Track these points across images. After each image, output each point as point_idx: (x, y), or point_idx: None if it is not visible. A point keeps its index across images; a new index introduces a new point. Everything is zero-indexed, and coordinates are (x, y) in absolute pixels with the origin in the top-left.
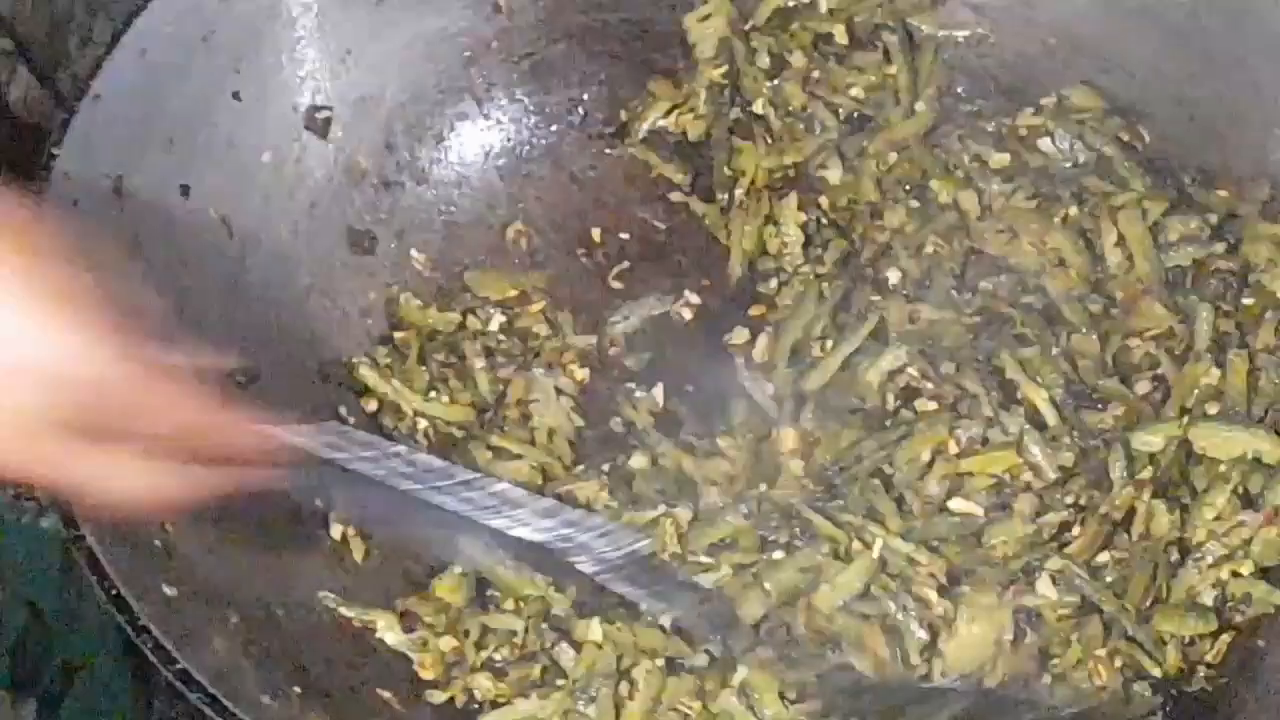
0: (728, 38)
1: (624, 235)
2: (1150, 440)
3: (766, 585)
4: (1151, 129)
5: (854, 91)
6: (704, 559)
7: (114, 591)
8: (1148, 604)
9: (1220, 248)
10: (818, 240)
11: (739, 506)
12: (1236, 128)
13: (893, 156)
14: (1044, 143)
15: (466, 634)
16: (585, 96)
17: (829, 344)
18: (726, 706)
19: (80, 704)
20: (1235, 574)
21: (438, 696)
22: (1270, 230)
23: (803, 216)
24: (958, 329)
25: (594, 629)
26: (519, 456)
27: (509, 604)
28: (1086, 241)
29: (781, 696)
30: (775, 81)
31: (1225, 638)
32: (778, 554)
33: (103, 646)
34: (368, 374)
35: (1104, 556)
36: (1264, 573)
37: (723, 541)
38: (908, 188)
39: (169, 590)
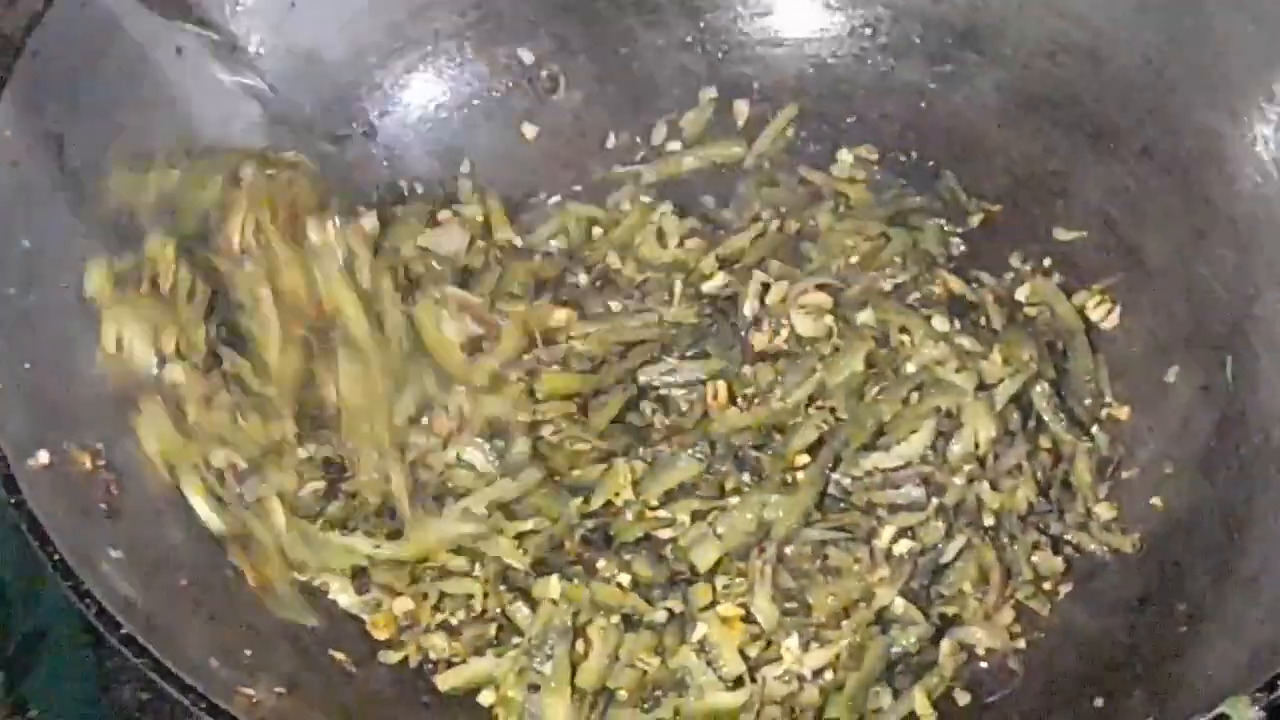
0: None
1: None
2: None
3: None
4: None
5: None
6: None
7: (57, 556)
8: None
9: None
10: None
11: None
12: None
13: None
14: None
15: (425, 597)
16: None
17: None
18: (685, 662)
19: (47, 673)
20: None
21: (392, 657)
22: None
23: None
24: None
25: (552, 586)
26: None
27: (461, 562)
28: None
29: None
30: None
31: None
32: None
33: (65, 616)
34: None
35: None
36: None
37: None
38: None
39: (115, 553)
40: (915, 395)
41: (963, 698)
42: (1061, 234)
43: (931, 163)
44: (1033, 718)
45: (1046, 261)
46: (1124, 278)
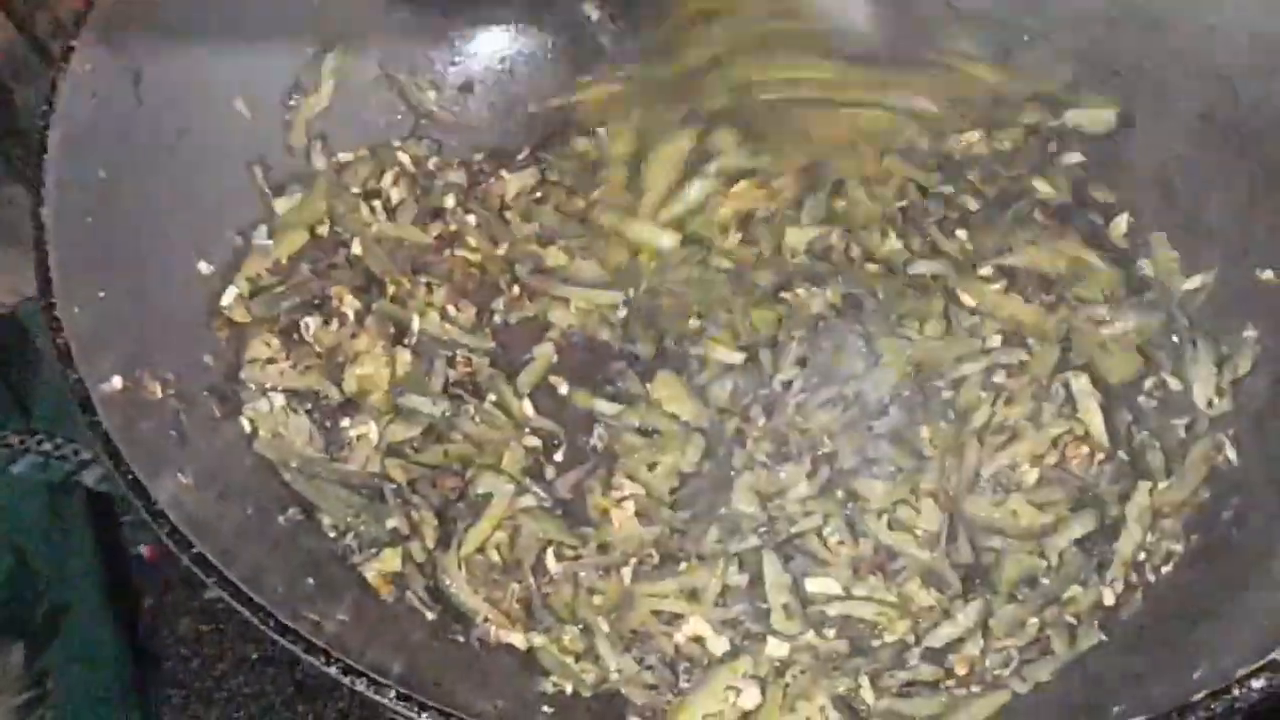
0: None
1: None
2: None
3: None
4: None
5: None
6: None
7: (130, 476)
8: None
9: None
10: None
11: None
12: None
13: None
14: None
15: None
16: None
17: None
18: None
19: (67, 646)
20: None
21: None
22: None
23: None
24: None
25: None
26: None
27: None
28: None
29: None
30: None
31: None
32: None
33: (87, 590)
34: None
35: None
36: None
37: None
38: None
39: (184, 478)
40: None
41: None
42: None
43: None
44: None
45: None
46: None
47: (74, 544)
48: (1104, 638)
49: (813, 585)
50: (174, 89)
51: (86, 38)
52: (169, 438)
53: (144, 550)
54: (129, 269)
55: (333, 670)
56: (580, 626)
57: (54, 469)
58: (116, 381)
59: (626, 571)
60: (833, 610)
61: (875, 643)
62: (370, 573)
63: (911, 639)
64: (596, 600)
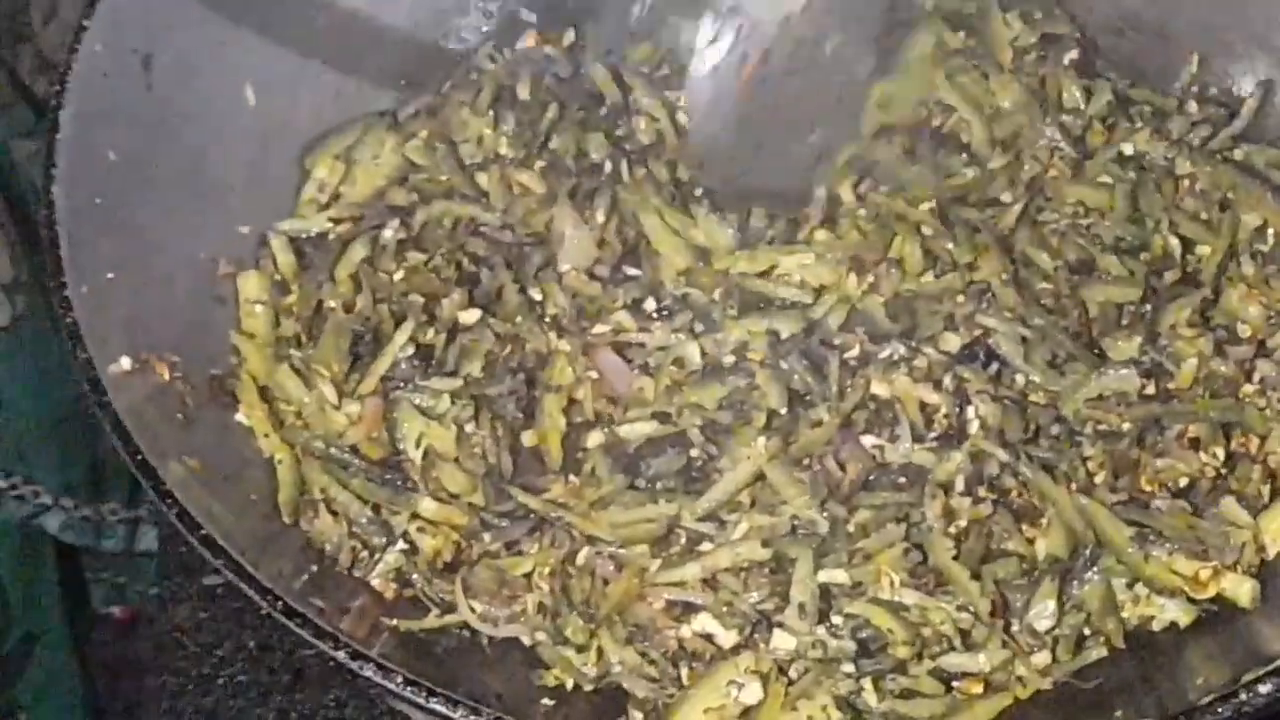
0: None
1: None
2: None
3: None
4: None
5: None
6: None
7: (139, 456)
8: None
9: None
10: None
11: None
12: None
13: None
14: None
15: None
16: None
17: None
18: None
19: (38, 678)
20: None
21: None
22: None
23: None
24: None
25: None
26: None
27: None
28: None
29: None
30: None
31: None
32: None
33: (60, 620)
34: None
35: None
36: None
37: None
38: None
39: (191, 461)
40: None
41: None
42: None
43: None
44: None
45: None
46: None
47: (45, 575)
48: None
49: (827, 576)
50: (184, 73)
51: (99, 18)
52: (176, 421)
53: (116, 611)
54: (137, 252)
55: (341, 655)
56: (586, 619)
57: (9, 508)
58: (125, 362)
59: (646, 561)
60: (850, 609)
61: (884, 649)
62: (375, 581)
63: (923, 656)
64: (610, 591)
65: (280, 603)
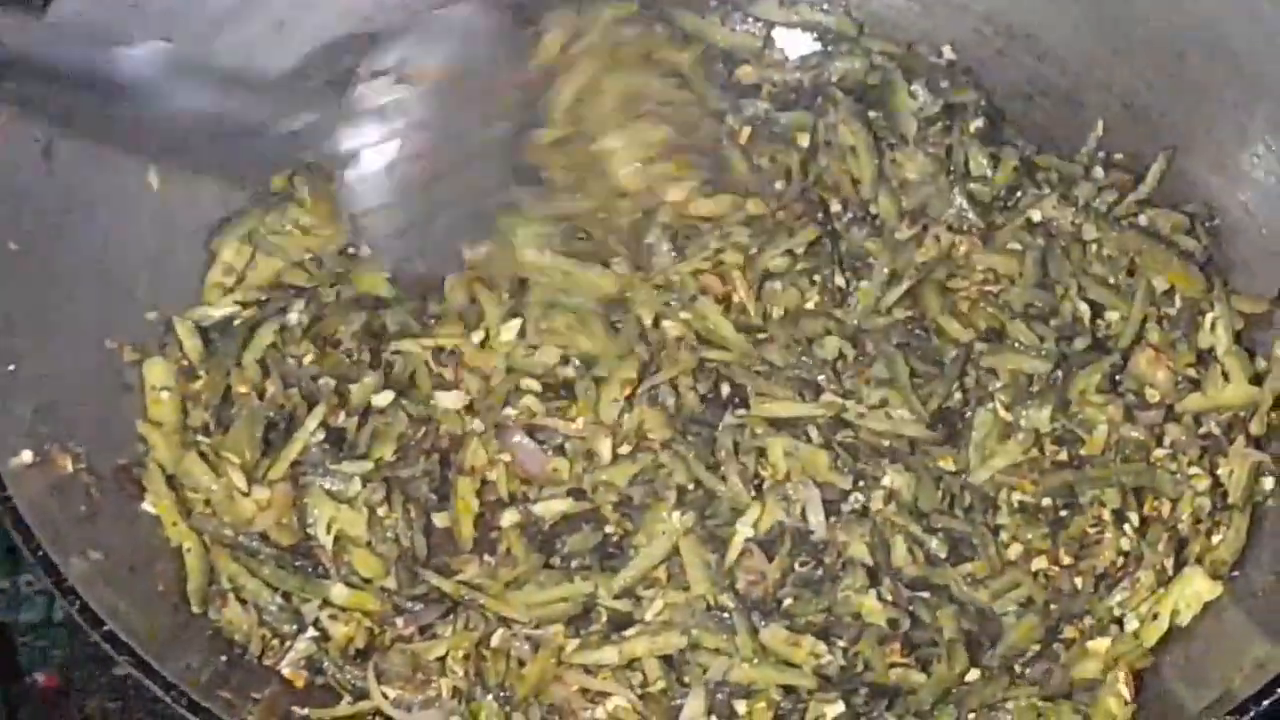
0: None
1: None
2: None
3: None
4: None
5: None
6: None
7: (40, 552)
8: None
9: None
10: None
11: None
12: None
13: None
14: None
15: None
16: None
17: None
18: None
19: None
20: None
21: None
22: None
23: None
24: None
25: None
26: None
27: None
28: None
29: None
30: None
31: None
32: None
33: None
34: None
35: None
36: None
37: None
38: None
39: (94, 554)
40: None
41: None
42: None
43: None
44: None
45: None
46: None
47: None
48: None
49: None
50: (86, 159)
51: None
52: (79, 513)
53: (40, 678)
54: (39, 343)
55: None
56: (502, 702)
57: None
58: (26, 456)
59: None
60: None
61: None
62: (286, 669)
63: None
64: (526, 672)
65: (185, 699)
